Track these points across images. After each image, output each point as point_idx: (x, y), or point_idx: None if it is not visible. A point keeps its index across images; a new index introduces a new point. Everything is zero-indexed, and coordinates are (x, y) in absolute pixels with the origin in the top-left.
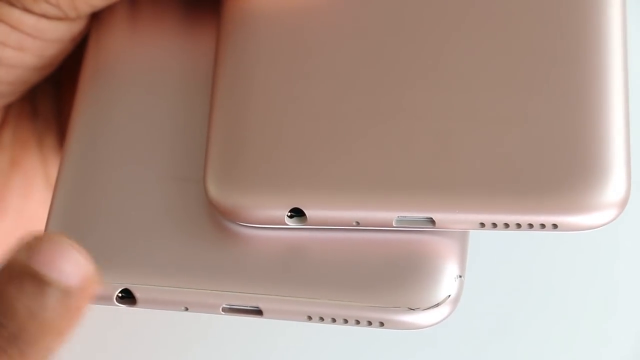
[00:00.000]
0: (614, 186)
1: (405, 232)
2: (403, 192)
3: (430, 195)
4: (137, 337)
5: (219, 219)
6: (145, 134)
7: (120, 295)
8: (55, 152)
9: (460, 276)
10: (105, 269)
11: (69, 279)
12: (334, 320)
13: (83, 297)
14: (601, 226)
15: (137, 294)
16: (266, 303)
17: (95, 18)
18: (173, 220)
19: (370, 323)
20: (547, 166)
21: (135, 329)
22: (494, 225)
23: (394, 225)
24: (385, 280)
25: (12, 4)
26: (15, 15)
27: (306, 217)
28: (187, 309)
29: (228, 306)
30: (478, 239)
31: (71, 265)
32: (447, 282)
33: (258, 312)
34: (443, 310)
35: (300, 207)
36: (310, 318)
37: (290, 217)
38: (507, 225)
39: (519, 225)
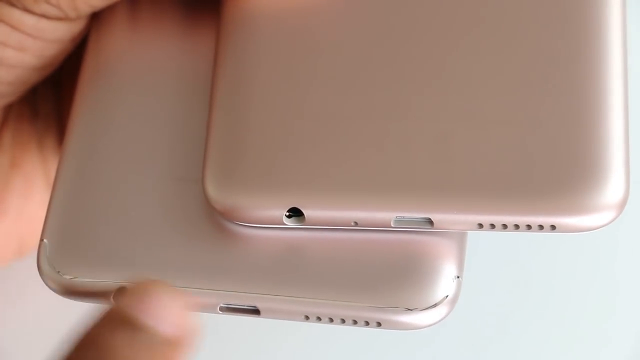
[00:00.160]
0: (612, 187)
1: (403, 233)
2: (401, 193)
3: (428, 195)
4: None
5: (218, 218)
6: (144, 134)
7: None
8: (55, 153)
9: (458, 277)
10: (103, 267)
11: (165, 328)
12: (331, 320)
13: (178, 346)
14: (600, 227)
15: None
16: (264, 302)
17: (95, 18)
18: (171, 219)
19: (367, 323)
20: (546, 167)
21: None
22: (492, 226)
23: (392, 225)
24: (383, 281)
25: (12, 4)
26: (16, 15)
27: (304, 217)
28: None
29: (226, 305)
30: (476, 239)
31: (168, 314)
32: (445, 282)
33: (256, 311)
34: (441, 310)
35: (299, 207)
36: (307, 318)
37: (289, 217)
38: (505, 227)
39: (517, 227)
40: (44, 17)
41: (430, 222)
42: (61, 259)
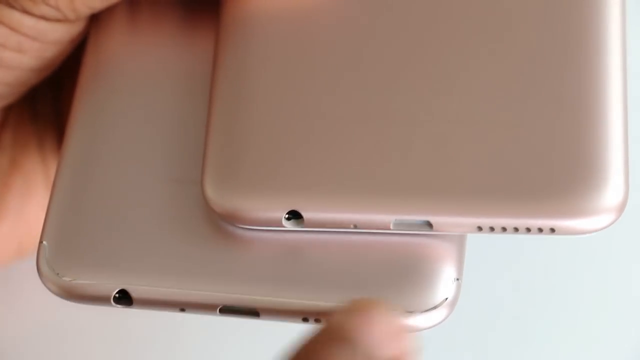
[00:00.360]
0: (612, 190)
1: (402, 235)
2: (401, 195)
3: (427, 198)
4: (134, 338)
5: (217, 220)
6: (143, 136)
7: (117, 295)
8: (55, 153)
9: (458, 279)
10: (103, 269)
11: (383, 349)
12: None
13: None
14: (599, 230)
15: (133, 295)
16: (263, 305)
17: (95, 20)
18: (170, 221)
19: None
20: (545, 170)
21: (131, 329)
22: (492, 229)
23: (392, 228)
24: (383, 283)
25: (11, 6)
26: (15, 17)
27: (303, 220)
28: (183, 310)
29: (225, 307)
30: (475, 241)
31: (387, 335)
32: (444, 285)
33: (255, 313)
34: (440, 313)
35: (298, 210)
36: (306, 320)
37: (288, 219)
38: (504, 229)
39: (516, 229)
40: (43, 18)
41: (429, 224)
42: (60, 261)
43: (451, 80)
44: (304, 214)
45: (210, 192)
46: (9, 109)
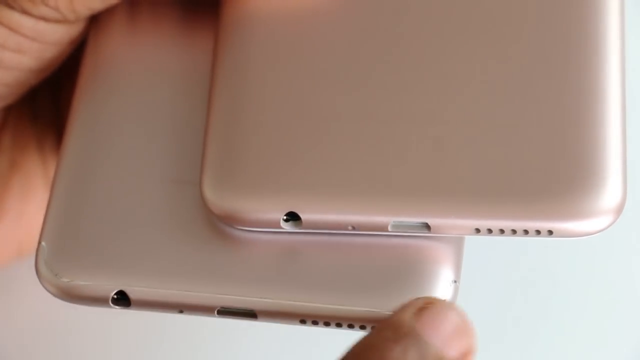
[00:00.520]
0: (610, 192)
1: (400, 237)
2: (399, 197)
3: (425, 200)
4: (133, 339)
5: (215, 222)
6: (142, 136)
7: (115, 297)
8: (55, 154)
9: (456, 281)
10: (101, 270)
11: (450, 350)
12: (327, 324)
13: None
14: (597, 232)
15: (131, 296)
16: (260, 306)
17: (94, 20)
18: (169, 222)
19: (363, 327)
20: (543, 172)
21: (130, 330)
22: (490, 231)
23: (390, 230)
24: (380, 285)
25: (10, 7)
26: (14, 17)
27: (301, 221)
28: (182, 312)
29: (223, 309)
30: (473, 244)
31: (455, 336)
32: (442, 287)
33: (252, 315)
34: None
35: (296, 211)
36: (303, 322)
37: (286, 220)
38: (502, 231)
39: (514, 231)
40: (42, 19)
41: (427, 226)
42: (59, 262)
43: (449, 82)
44: (302, 216)
45: (209, 193)
46: (9, 109)
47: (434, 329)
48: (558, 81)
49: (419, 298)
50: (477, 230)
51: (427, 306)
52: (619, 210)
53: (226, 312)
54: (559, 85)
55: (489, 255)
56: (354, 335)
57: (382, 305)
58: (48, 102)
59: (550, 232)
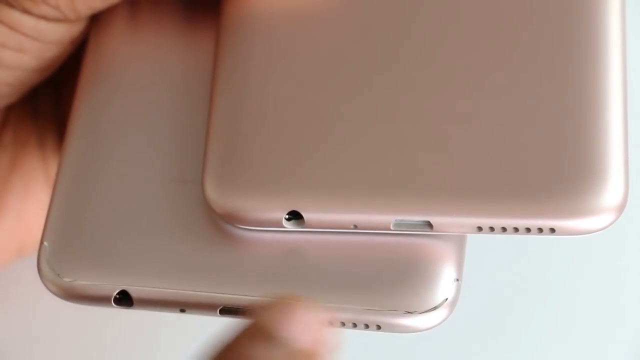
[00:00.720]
0: (611, 190)
1: (402, 236)
2: (401, 196)
3: (428, 198)
4: (134, 338)
5: (217, 221)
6: (144, 136)
7: (117, 296)
8: (55, 153)
9: (458, 279)
10: (103, 270)
11: (303, 342)
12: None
13: (313, 357)
14: (599, 230)
15: (134, 296)
16: None
17: (95, 20)
18: (171, 222)
19: (367, 326)
20: (545, 170)
21: (132, 330)
22: (492, 229)
23: (392, 228)
24: (383, 284)
25: (11, 6)
26: (15, 17)
27: (304, 220)
28: (184, 311)
29: (225, 308)
30: (476, 242)
31: (306, 328)
32: (444, 285)
33: None
34: (440, 313)
35: (298, 210)
36: None
37: (288, 219)
38: (504, 229)
39: (516, 229)
40: (43, 18)
41: (429, 225)
42: (61, 261)
43: (451, 81)
44: (305, 215)
45: (211, 192)
46: (10, 108)
47: (288, 324)
48: (560, 80)
49: (274, 296)
50: (479, 229)
51: (280, 304)
52: (621, 208)
53: (228, 311)
54: (561, 84)
55: (491, 253)
56: (356, 333)
57: (384, 304)
58: (49, 101)
59: (552, 230)
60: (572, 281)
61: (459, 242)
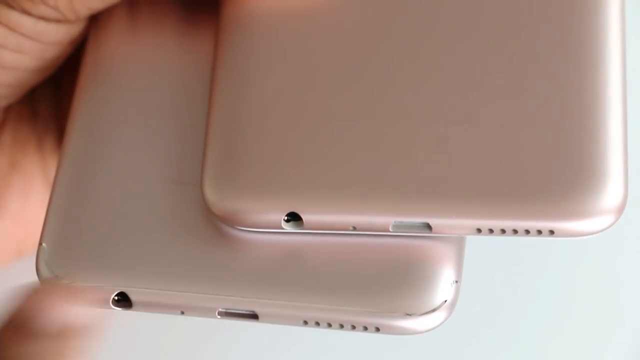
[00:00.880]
0: (611, 192)
1: (401, 237)
2: (400, 197)
3: (426, 200)
4: (133, 339)
5: (216, 222)
6: (143, 136)
7: (116, 298)
8: (54, 154)
9: (457, 281)
10: (102, 272)
11: (50, 326)
12: (329, 325)
13: (69, 340)
14: (599, 232)
15: (133, 298)
16: (262, 307)
17: (94, 20)
18: (170, 223)
19: (366, 328)
20: (544, 172)
21: (131, 330)
22: (491, 230)
23: (391, 230)
24: (382, 285)
25: (10, 6)
26: (14, 17)
27: (303, 222)
28: (183, 313)
29: (224, 310)
30: (475, 244)
31: (52, 313)
32: (443, 287)
33: (254, 316)
34: (439, 315)
35: (297, 212)
36: (306, 323)
37: (287, 221)
38: (503, 231)
39: (515, 231)
40: (42, 19)
41: (428, 226)
42: (60, 263)
43: (450, 82)
44: (303, 216)
45: (210, 194)
46: (9, 108)
47: (31, 311)
48: (559, 81)
49: (19, 288)
50: (479, 230)
51: (24, 294)
52: (620, 209)
53: (227, 313)
54: (560, 85)
55: (490, 255)
56: (355, 335)
57: (383, 306)
58: (48, 102)
59: (551, 232)
60: (571, 283)
61: (458, 244)
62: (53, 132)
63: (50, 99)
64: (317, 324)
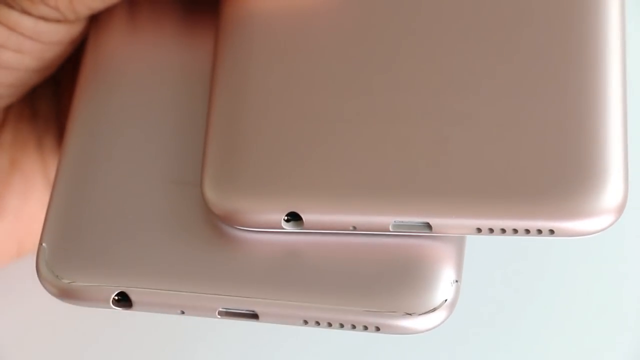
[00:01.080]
0: (611, 191)
1: (401, 237)
2: (400, 197)
3: (427, 200)
4: (133, 339)
5: (216, 222)
6: (143, 137)
7: (116, 298)
8: (54, 153)
9: (457, 281)
10: (102, 271)
11: None
12: (329, 325)
13: None
14: (599, 231)
15: (133, 297)
16: (262, 307)
17: (94, 20)
18: (170, 223)
19: (366, 328)
20: (544, 171)
21: (131, 330)
22: (491, 230)
23: (391, 229)
24: (382, 285)
25: (10, 6)
26: (14, 17)
27: (303, 221)
28: (183, 313)
29: (224, 310)
30: (475, 243)
31: None
32: (443, 286)
33: (254, 316)
34: (439, 315)
35: (297, 211)
36: (306, 322)
37: (287, 221)
38: (503, 231)
39: (515, 231)
40: (42, 19)
41: (428, 226)
42: (60, 263)
43: (450, 82)
44: (303, 216)
45: (210, 193)
46: (9, 108)
47: None
48: (559, 80)
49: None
50: (479, 230)
51: None
52: (621, 209)
53: (227, 313)
54: (560, 85)
55: (490, 254)
56: (355, 334)
57: (383, 306)
58: (48, 101)
59: (551, 232)
60: (571, 282)
61: (458, 244)
62: (53, 131)
63: (51, 98)
64: (317, 323)
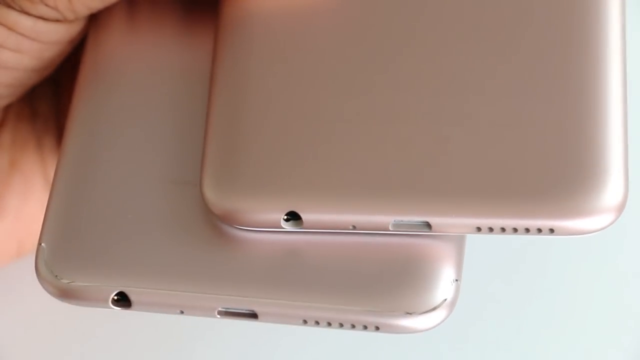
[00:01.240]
0: (611, 190)
1: (401, 236)
2: (399, 196)
3: (426, 199)
4: (133, 339)
5: (215, 222)
6: (142, 136)
7: (115, 298)
8: (54, 153)
9: (457, 280)
10: (101, 271)
11: None
12: (329, 324)
13: None
14: (599, 230)
15: (132, 297)
16: (261, 307)
17: (93, 19)
18: (169, 223)
19: (365, 327)
20: (544, 170)
21: (131, 330)
22: (491, 229)
23: (391, 229)
24: (382, 284)
25: (9, 6)
26: (13, 17)
27: (302, 221)
28: (182, 312)
29: (224, 310)
30: (474, 242)
31: None
32: (443, 286)
33: (254, 315)
34: (439, 314)
35: (297, 211)
36: (305, 322)
37: (287, 220)
38: (503, 230)
39: (515, 230)
40: (41, 19)
41: (428, 225)
42: (59, 263)
43: (449, 81)
44: (303, 215)
45: (209, 193)
46: (8, 108)
47: None
48: (559, 80)
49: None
50: (479, 229)
51: None
52: (621, 208)
53: (227, 313)
54: (561, 85)
55: (490, 253)
56: (355, 333)
57: (383, 305)
58: (47, 101)
59: (551, 230)
60: (572, 281)
61: (458, 243)
62: (53, 131)
63: (50, 98)
64: (317, 323)
